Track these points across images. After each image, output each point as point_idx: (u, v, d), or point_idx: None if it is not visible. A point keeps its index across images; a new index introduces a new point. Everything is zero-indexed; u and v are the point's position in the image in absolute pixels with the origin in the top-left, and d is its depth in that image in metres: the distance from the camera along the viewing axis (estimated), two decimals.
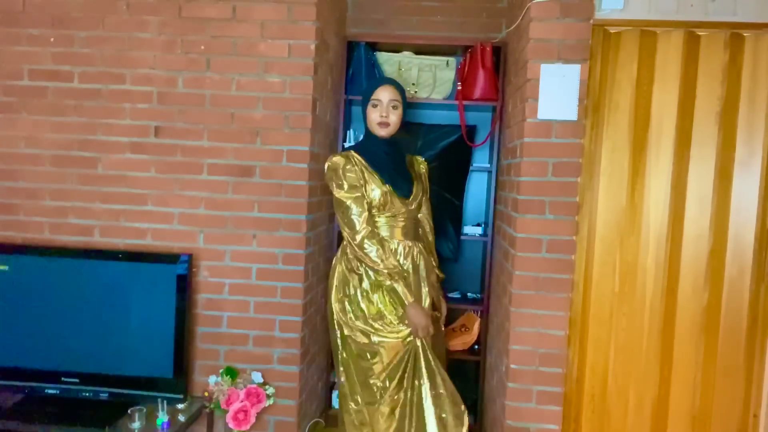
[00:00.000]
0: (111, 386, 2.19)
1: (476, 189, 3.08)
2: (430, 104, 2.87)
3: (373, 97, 2.10)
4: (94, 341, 2.20)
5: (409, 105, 2.27)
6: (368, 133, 2.17)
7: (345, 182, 2.03)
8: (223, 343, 2.35)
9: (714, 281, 2.29)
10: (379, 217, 2.09)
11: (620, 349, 2.35)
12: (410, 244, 2.14)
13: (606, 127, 2.30)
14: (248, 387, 2.22)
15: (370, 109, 2.11)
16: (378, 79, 2.23)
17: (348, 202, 2.03)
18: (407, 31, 3.00)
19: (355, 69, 2.76)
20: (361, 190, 2.04)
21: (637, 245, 2.31)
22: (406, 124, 2.20)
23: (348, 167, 2.05)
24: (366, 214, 2.02)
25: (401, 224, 2.12)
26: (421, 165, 2.30)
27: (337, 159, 2.07)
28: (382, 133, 2.11)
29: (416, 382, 2.05)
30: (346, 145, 2.82)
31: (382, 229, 2.09)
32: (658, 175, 2.29)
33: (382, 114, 2.08)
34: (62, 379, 2.19)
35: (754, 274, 2.27)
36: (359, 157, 2.09)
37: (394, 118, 2.10)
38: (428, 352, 2.04)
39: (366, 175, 2.06)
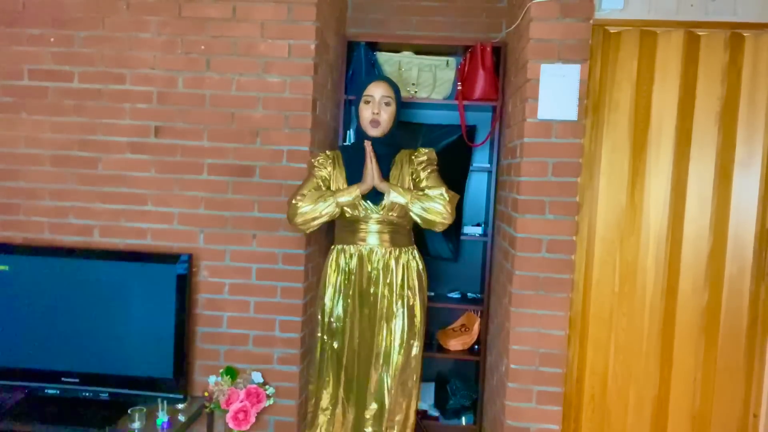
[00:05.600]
0: (111, 386, 2.18)
1: (476, 189, 3.08)
2: (430, 104, 2.87)
3: (365, 93, 2.08)
4: (94, 341, 2.20)
5: (408, 105, 2.23)
6: (357, 136, 2.16)
7: (316, 172, 2.14)
8: (223, 343, 2.35)
9: (714, 281, 2.29)
10: (354, 221, 2.10)
11: (620, 349, 2.35)
12: (380, 248, 2.09)
13: (606, 127, 2.30)
14: (248, 387, 2.22)
15: (362, 105, 2.10)
16: (370, 76, 2.17)
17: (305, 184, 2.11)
18: (407, 31, 3.00)
19: (355, 69, 2.75)
20: (323, 183, 2.12)
21: (637, 245, 2.31)
22: (404, 125, 2.17)
23: (323, 163, 2.14)
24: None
25: (368, 229, 2.09)
26: (413, 156, 2.15)
27: (320, 155, 2.18)
28: (374, 133, 2.08)
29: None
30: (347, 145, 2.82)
31: (358, 234, 2.10)
32: (658, 175, 2.29)
33: (374, 111, 2.06)
34: (62, 379, 2.19)
35: (754, 274, 2.27)
36: (341, 159, 2.16)
37: (386, 115, 2.08)
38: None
39: (337, 178, 2.13)
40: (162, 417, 2.06)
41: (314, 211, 2.01)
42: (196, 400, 2.29)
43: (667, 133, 2.27)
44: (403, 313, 2.10)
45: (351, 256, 2.12)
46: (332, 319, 2.13)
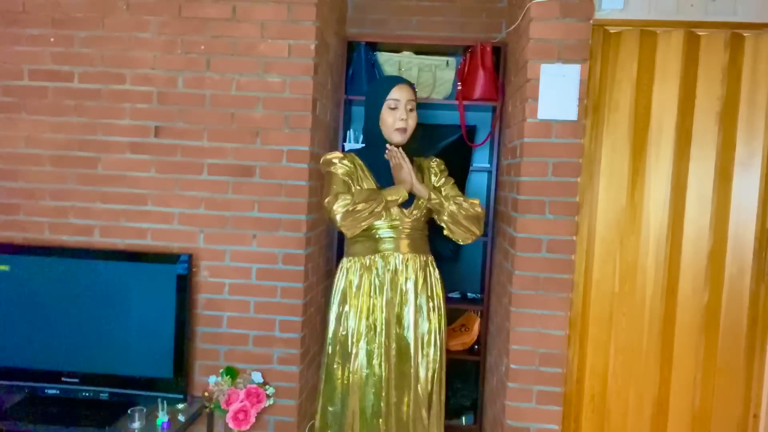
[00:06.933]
0: (111, 386, 2.19)
1: (476, 189, 3.08)
2: (430, 104, 2.87)
3: (390, 97, 1.95)
4: (94, 341, 2.20)
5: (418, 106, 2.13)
6: (372, 140, 2.04)
7: (339, 169, 1.99)
8: (223, 343, 2.35)
9: (714, 281, 2.29)
10: (379, 228, 1.99)
11: (620, 349, 2.35)
12: (411, 256, 2.00)
13: (606, 127, 2.30)
14: (248, 387, 2.22)
15: (386, 111, 1.96)
16: (391, 77, 2.01)
17: (335, 180, 1.97)
18: (407, 31, 3.00)
19: (355, 69, 2.76)
20: (348, 182, 1.97)
21: (637, 245, 2.31)
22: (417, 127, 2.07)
23: (344, 162, 1.99)
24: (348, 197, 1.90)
25: (391, 235, 1.99)
26: (432, 164, 2.13)
27: (334, 153, 2.04)
28: (399, 139, 1.97)
29: None
30: (347, 145, 2.82)
31: (386, 243, 1.99)
32: (658, 175, 2.29)
33: (402, 117, 1.94)
34: (62, 379, 2.19)
35: (754, 273, 2.27)
36: (359, 160, 2.04)
37: (411, 122, 1.98)
38: None
39: (362, 179, 1.99)
40: (162, 417, 2.06)
41: (367, 208, 1.87)
42: (196, 400, 2.29)
43: (667, 133, 2.27)
44: (436, 325, 2.02)
45: (379, 269, 1.99)
46: (360, 343, 1.98)
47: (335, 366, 2.02)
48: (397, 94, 1.96)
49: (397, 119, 1.96)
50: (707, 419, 2.33)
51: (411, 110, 1.99)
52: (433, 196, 1.96)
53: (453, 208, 1.96)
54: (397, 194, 1.93)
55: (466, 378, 3.00)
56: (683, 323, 2.31)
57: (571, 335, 2.32)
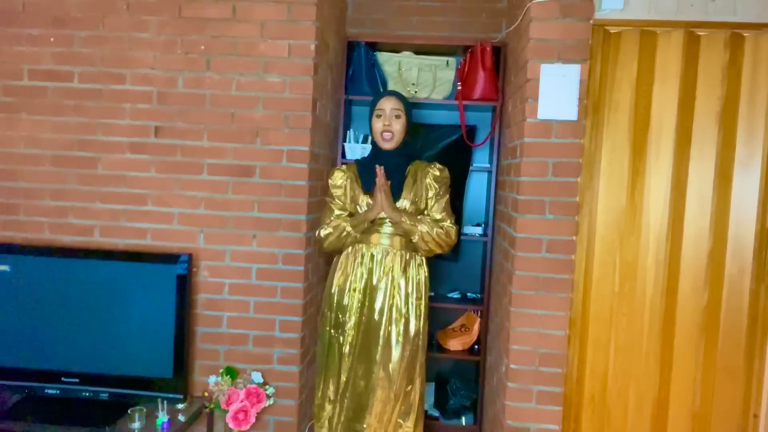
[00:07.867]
0: (111, 386, 2.19)
1: (476, 189, 3.08)
2: (430, 104, 2.87)
3: (376, 108, 2.18)
4: (94, 341, 2.20)
5: (413, 105, 2.32)
6: (372, 146, 2.27)
7: (332, 194, 2.23)
8: (223, 343, 2.35)
9: (714, 281, 2.29)
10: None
11: (620, 349, 2.35)
12: (388, 249, 2.17)
13: (606, 127, 2.30)
14: (248, 387, 2.22)
15: (374, 120, 2.18)
16: (381, 92, 2.40)
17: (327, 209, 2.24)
18: (407, 31, 3.01)
19: (355, 69, 2.76)
20: (342, 202, 2.20)
21: (637, 245, 2.31)
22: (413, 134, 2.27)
23: (339, 183, 2.20)
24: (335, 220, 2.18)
25: (381, 230, 2.16)
26: (428, 171, 2.19)
27: (335, 173, 2.23)
28: (387, 146, 2.17)
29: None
30: (347, 145, 2.82)
31: (375, 236, 2.18)
32: (658, 175, 2.29)
33: (385, 123, 2.15)
34: (62, 379, 2.19)
35: (754, 274, 2.27)
36: (356, 171, 2.23)
37: (398, 126, 2.16)
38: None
39: (353, 185, 2.19)
40: (162, 417, 2.07)
41: (338, 241, 2.17)
42: (196, 400, 2.29)
43: (667, 133, 2.27)
44: (416, 317, 2.17)
45: (363, 257, 2.18)
46: (339, 314, 2.18)
47: (326, 331, 2.21)
48: (382, 105, 2.17)
49: (382, 124, 2.16)
50: (707, 419, 2.33)
51: (397, 117, 2.16)
52: (404, 220, 2.10)
53: (424, 230, 2.10)
54: (362, 222, 2.13)
55: (466, 378, 3.00)
56: (683, 323, 2.31)
57: (571, 335, 2.32)
